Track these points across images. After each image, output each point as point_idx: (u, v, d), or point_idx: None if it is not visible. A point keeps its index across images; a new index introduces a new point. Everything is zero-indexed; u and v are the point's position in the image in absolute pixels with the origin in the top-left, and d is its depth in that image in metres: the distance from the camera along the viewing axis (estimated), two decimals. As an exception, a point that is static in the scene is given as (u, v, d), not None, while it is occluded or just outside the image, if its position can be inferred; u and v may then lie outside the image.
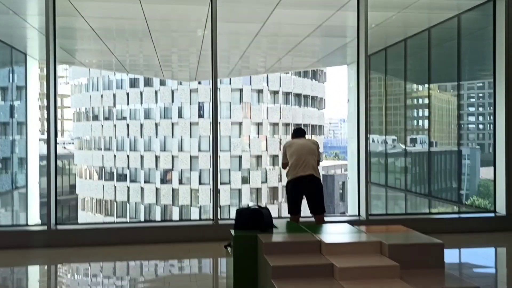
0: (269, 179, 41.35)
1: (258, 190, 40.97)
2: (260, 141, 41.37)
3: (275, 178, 41.58)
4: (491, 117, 12.23)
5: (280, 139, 41.88)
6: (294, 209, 5.79)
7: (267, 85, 41.21)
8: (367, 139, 7.32)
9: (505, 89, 7.49)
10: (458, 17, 9.21)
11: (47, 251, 6.50)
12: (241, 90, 40.53)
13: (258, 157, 41.24)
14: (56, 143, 6.95)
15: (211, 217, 7.12)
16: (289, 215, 5.88)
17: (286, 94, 42.32)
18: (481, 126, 12.60)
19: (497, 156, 7.70)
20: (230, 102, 40.49)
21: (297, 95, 43.10)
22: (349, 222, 7.38)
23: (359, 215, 7.50)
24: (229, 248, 4.48)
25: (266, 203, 40.87)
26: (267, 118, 41.40)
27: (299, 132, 6.16)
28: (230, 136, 40.40)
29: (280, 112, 41.92)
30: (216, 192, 7.15)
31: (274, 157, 41.74)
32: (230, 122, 40.30)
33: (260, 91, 41.17)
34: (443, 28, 10.19)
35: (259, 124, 41.33)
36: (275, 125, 41.89)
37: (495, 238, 7.20)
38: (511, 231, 7.42)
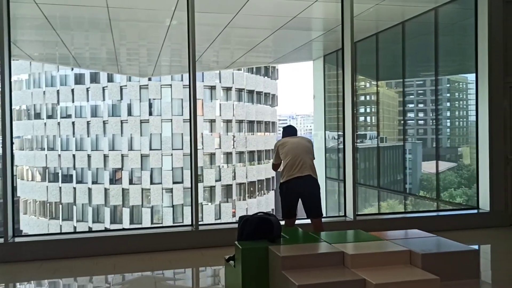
0: (223, 177, 40.76)
1: (211, 189, 40.28)
2: (213, 139, 40.70)
3: (229, 176, 41.07)
4: (433, 113, 12.78)
5: (234, 136, 41.43)
6: (289, 212, 5.32)
7: (220, 81, 40.58)
8: (354, 137, 6.95)
9: (488, 84, 7.34)
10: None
11: (5, 267, 5.72)
12: (193, 87, 39.65)
13: (212, 155, 40.56)
14: (12, 144, 6.15)
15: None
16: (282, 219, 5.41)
17: (239, 91, 41.86)
18: (421, 122, 12.95)
19: (480, 152, 7.56)
20: (182, 99, 39.55)
21: (250, 92, 42.73)
22: (336, 223, 7.05)
23: (345, 215, 7.15)
24: (231, 262, 3.97)
25: (220, 201, 40.35)
26: (220, 115, 40.77)
27: (290, 129, 5.70)
28: (182, 134, 39.49)
29: (233, 109, 41.40)
30: (196, 195, 6.58)
31: (228, 155, 41.23)
32: (182, 119, 39.37)
33: (212, 88, 40.48)
34: (414, 23, 10.10)
35: (212, 121, 40.65)
36: (228, 122, 41.34)
37: (481, 235, 7.05)
38: (495, 228, 7.32)
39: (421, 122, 13.12)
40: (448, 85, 11.43)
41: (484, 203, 7.48)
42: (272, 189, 44.20)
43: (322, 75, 13.28)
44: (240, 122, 41.94)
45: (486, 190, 7.43)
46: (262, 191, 43.32)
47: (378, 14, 9.53)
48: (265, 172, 43.43)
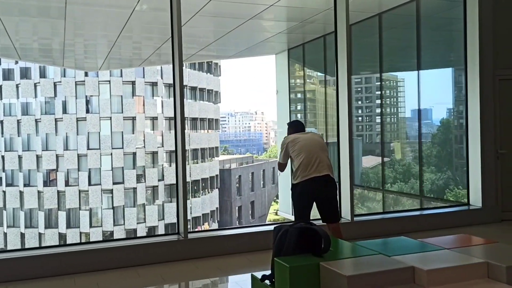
0: (166, 177, 39.50)
1: (154, 189, 38.93)
2: (155, 137, 39.35)
3: (172, 175, 39.79)
4: (368, 110, 13.03)
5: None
6: (304, 217, 4.75)
7: (162, 77, 39.26)
8: (350, 137, 6.50)
9: (479, 77, 7.16)
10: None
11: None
12: (133, 83, 38.11)
13: (154, 154, 39.19)
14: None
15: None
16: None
17: (182, 87, 40.71)
18: (360, 118, 13.30)
19: (470, 147, 7.38)
20: (121, 96, 37.90)
21: (193, 89, 41.73)
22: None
23: (341, 216, 6.69)
24: (267, 281, 3.36)
25: (163, 201, 39.11)
26: (162, 112, 39.46)
27: (298, 125, 5.14)
28: (122, 132, 37.88)
29: (176, 106, 40.22)
30: (184, 200, 5.87)
31: (171, 153, 39.99)
32: (122, 117, 37.75)
33: (154, 84, 39.10)
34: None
35: (154, 119, 39.27)
36: (170, 119, 40.07)
37: (484, 233, 6.84)
38: (488, 224, 7.16)
39: (359, 119, 13.43)
40: (378, 83, 11.64)
41: (475, 199, 7.30)
42: (217, 188, 43.52)
43: (286, 70, 12.82)
44: (183, 119, 40.83)
45: (477, 186, 7.26)
46: (207, 190, 42.48)
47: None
48: (209, 170, 42.67)
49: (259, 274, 5.31)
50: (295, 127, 5.10)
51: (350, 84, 6.49)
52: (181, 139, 5.82)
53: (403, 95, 11.85)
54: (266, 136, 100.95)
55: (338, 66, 6.65)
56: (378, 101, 12.16)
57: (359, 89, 13.13)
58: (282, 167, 5.03)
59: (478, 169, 7.20)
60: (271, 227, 6.50)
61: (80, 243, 6.26)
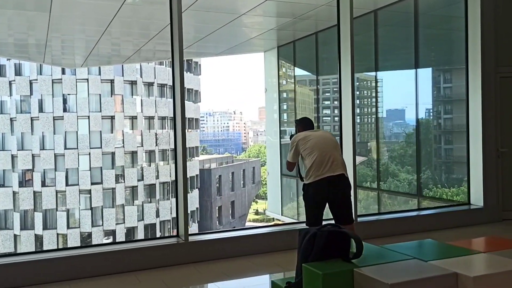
0: (145, 177, 38.91)
1: (133, 189, 38.30)
2: (134, 136, 38.70)
3: (152, 175, 39.32)
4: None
5: (156, 134, 39.71)
6: (318, 220, 4.52)
7: (141, 76, 38.65)
8: (354, 137, 6.29)
9: (481, 75, 7.05)
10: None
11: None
12: (112, 82, 37.40)
13: (133, 153, 38.54)
14: None
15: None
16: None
17: (161, 86, 40.15)
18: (337, 118, 13.14)
19: (471, 145, 7.27)
20: (100, 95, 37.15)
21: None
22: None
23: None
24: (293, 289, 3.11)
25: (143, 201, 38.50)
26: (141, 111, 38.84)
27: (308, 122, 4.90)
28: (101, 132, 37.14)
29: (156, 105, 39.65)
30: (185, 201, 5.58)
31: (150, 153, 39.45)
32: (100, 116, 37.01)
33: (133, 83, 38.45)
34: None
35: (133, 118, 38.60)
36: (150, 119, 39.52)
37: (482, 232, 6.74)
38: (490, 224, 7.05)
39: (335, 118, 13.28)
40: (357, 83, 11.73)
41: (477, 199, 7.20)
42: (197, 187, 43.06)
43: (276, 67, 12.59)
44: (162, 118, 40.28)
45: (478, 185, 7.15)
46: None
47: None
48: (190, 170, 42.15)
49: (265, 278, 5.10)
50: (304, 124, 4.87)
51: (353, 82, 6.29)
52: (182, 138, 5.52)
53: (381, 95, 11.96)
54: (245, 136, 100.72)
55: (341, 63, 6.44)
56: (357, 101, 12.27)
57: (335, 89, 13.09)
58: (291, 166, 4.78)
59: (479, 168, 7.10)
60: (274, 229, 6.28)
61: (75, 248, 5.92)
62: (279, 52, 12.47)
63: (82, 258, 5.03)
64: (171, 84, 5.61)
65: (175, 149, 5.73)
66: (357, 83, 11.82)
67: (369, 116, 12.48)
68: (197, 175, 43.13)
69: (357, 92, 11.86)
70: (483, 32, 7.01)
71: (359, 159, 11.43)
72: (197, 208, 42.64)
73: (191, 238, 5.50)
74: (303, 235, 3.15)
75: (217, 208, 44.95)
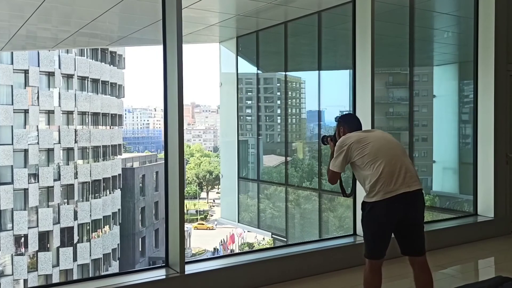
0: (63, 176, 35.89)
1: (49, 189, 35.17)
2: (51, 132, 35.56)
3: (70, 175, 36.39)
4: (269, 110, 12.98)
5: (76, 130, 36.82)
6: (383, 250, 3.45)
7: (60, 67, 35.58)
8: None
9: (494, 74, 6.39)
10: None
11: None
12: (26, 72, 34.05)
13: (49, 151, 35.39)
14: None
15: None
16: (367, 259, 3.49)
17: (82, 79, 37.28)
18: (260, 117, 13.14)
19: (480, 150, 6.60)
20: (12, 86, 33.68)
21: (95, 81, 38.41)
22: (346, 247, 5.37)
23: (355, 233, 5.51)
24: None
25: (59, 203, 35.51)
26: (59, 105, 35.78)
27: (356, 121, 3.82)
28: (12, 126, 33.68)
29: (75, 99, 36.73)
30: (181, 221, 4.24)
31: (69, 151, 36.49)
32: (12, 109, 33.55)
33: (50, 74, 35.30)
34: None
35: (49, 113, 35.44)
36: (69, 113, 36.55)
37: (496, 248, 6.06)
38: (498, 237, 6.41)
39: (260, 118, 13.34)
40: (278, 84, 11.45)
41: (486, 209, 6.53)
42: (119, 188, 40.63)
43: (234, 59, 11.42)
44: (83, 114, 37.47)
45: (488, 194, 6.49)
46: (108, 190, 39.39)
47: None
48: (111, 169, 39.66)
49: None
50: (351, 123, 3.78)
51: (373, 79, 5.31)
52: (179, 142, 4.19)
53: (305, 96, 11.73)
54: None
55: (356, 56, 5.44)
56: (279, 102, 12.11)
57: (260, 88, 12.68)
58: (335, 177, 3.64)
59: (490, 176, 6.44)
60: (284, 251, 5.12)
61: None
62: (238, 42, 11.33)
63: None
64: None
65: (165, 152, 4.39)
66: (278, 84, 11.83)
67: (294, 117, 12.46)
68: (119, 175, 40.73)
69: (278, 93, 11.83)
70: (496, 26, 6.35)
71: (282, 159, 11.70)
72: (119, 210, 40.28)
73: (188, 269, 4.20)
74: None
75: (140, 209, 42.79)
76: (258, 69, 11.50)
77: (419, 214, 3.48)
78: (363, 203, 3.47)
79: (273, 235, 10.93)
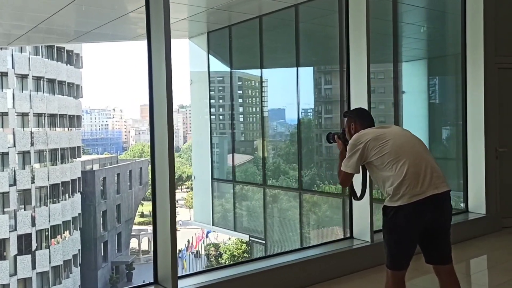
0: (18, 181, 34.33)
1: (4, 195, 33.55)
2: (5, 135, 33.94)
3: (27, 179, 34.85)
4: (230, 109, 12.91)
5: (32, 133, 35.28)
6: (408, 259, 3.10)
7: (13, 67, 33.97)
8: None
9: (483, 67, 6.23)
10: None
11: None
12: (-24, 72, 32.41)
13: (3, 155, 33.78)
14: None
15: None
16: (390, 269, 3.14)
17: (37, 79, 35.74)
18: (221, 117, 13.19)
19: (470, 145, 6.43)
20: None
21: (51, 81, 36.91)
22: (343, 252, 5.04)
23: (352, 236, 5.19)
24: None
25: (15, 209, 33.92)
26: (13, 107, 34.18)
27: (368, 116, 3.47)
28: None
29: (31, 100, 35.18)
30: (173, 242, 3.76)
31: (24, 154, 34.94)
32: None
33: (3, 74, 33.65)
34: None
35: (3, 115, 33.81)
36: (24, 115, 34.96)
37: (491, 246, 5.89)
38: (490, 234, 6.25)
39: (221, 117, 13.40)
40: (240, 83, 11.39)
41: (477, 206, 6.37)
42: (79, 191, 39.28)
43: (205, 56, 10.95)
44: (39, 115, 35.93)
45: (479, 190, 6.33)
46: (67, 194, 37.98)
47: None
48: (70, 172, 38.27)
49: None
50: (364, 118, 3.40)
51: (369, 76, 5.00)
52: (169, 146, 3.73)
53: (266, 94, 11.74)
54: (126, 135, 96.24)
55: (351, 51, 5.10)
56: (241, 100, 12.13)
57: (221, 87, 12.69)
58: (348, 179, 3.28)
59: (481, 171, 6.27)
60: (279, 260, 4.73)
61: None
62: (209, 39, 10.84)
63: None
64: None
65: (152, 164, 3.91)
66: (240, 83, 11.76)
67: (255, 115, 12.41)
68: (79, 178, 39.37)
69: (239, 91, 11.65)
70: (485, 18, 6.18)
71: (245, 157, 11.68)
72: (79, 214, 38.95)
73: (181, 285, 3.76)
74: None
75: (101, 212, 41.58)
76: (231, 66, 11.08)
77: (447, 219, 3.16)
78: (385, 207, 3.11)
79: (250, 238, 10.58)
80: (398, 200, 3.03)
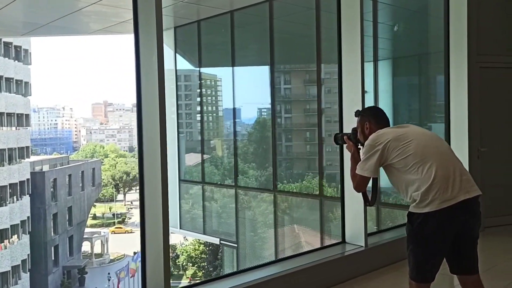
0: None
1: None
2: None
3: (1, 179, 33.24)
4: (187, 107, 12.83)
5: (-20, 132, 33.49)
6: (436, 270, 2.88)
7: (-43, 63, 32.11)
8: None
9: (467, 66, 6.18)
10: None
11: None
12: None
13: None
14: None
15: None
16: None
17: (-7, 77, 33.96)
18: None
19: (452, 145, 6.34)
20: None
21: (-3, 78, 35.13)
22: (338, 260, 4.80)
23: (344, 241, 4.96)
24: None
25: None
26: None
27: (383, 115, 3.21)
28: None
29: (-24, 98, 33.42)
30: (166, 250, 3.40)
31: (3, 153, 33.24)
32: None
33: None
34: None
35: None
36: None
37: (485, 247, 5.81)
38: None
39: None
40: (199, 81, 11.36)
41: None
42: (28, 194, 37.61)
43: (172, 52, 10.52)
44: (-5, 114, 34.24)
45: (463, 190, 6.24)
46: (16, 197, 36.28)
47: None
48: (19, 173, 36.59)
49: None
50: (379, 117, 3.16)
51: (363, 74, 4.80)
52: (161, 144, 3.38)
53: (221, 94, 11.81)
54: (76, 134, 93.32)
55: (343, 47, 4.90)
56: (198, 99, 12.01)
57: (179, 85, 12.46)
58: (365, 183, 3.03)
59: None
60: (273, 271, 4.43)
61: None
62: (176, 33, 10.40)
63: None
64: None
65: (140, 169, 3.56)
66: (200, 81, 11.63)
67: (212, 114, 12.54)
68: (28, 179, 37.69)
69: (199, 90, 11.63)
70: (469, 15, 6.13)
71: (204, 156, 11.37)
72: (28, 217, 37.32)
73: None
74: None
75: (52, 215, 40.00)
76: (199, 64, 10.70)
77: (477, 225, 2.97)
78: (411, 214, 2.87)
79: (221, 241, 10.24)
80: (426, 206, 2.79)
